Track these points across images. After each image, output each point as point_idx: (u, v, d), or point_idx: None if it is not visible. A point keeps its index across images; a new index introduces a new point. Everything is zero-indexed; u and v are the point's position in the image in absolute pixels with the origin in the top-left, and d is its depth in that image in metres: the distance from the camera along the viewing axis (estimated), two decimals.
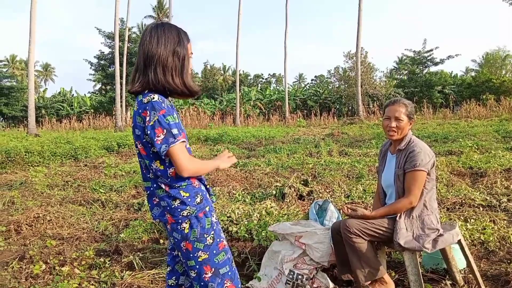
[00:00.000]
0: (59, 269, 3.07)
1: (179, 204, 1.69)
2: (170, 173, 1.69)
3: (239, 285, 1.85)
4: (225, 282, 1.78)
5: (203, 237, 1.72)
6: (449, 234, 2.52)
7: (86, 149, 10.78)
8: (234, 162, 1.95)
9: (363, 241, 2.47)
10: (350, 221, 2.50)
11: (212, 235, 1.75)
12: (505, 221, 3.85)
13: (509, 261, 3.00)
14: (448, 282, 2.68)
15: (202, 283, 1.75)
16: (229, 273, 1.80)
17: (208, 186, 1.84)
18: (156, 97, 1.64)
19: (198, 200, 1.71)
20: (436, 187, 2.69)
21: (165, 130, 1.61)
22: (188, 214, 1.70)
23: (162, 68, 1.68)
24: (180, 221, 1.71)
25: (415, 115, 2.69)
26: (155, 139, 1.60)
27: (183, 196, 1.69)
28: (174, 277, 1.99)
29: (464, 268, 2.85)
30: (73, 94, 41.94)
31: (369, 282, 2.48)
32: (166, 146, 1.60)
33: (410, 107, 2.64)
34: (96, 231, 4.23)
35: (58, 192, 6.09)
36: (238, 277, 1.87)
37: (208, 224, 1.73)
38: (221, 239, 1.80)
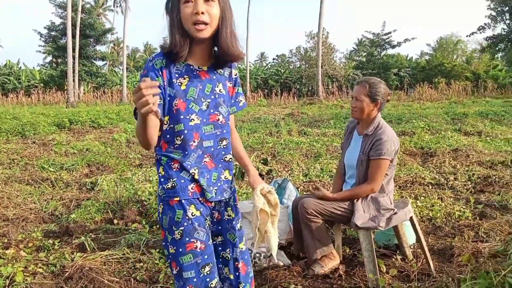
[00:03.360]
0: (3, 252, 2.88)
1: (158, 178, 1.56)
2: (160, 140, 1.53)
3: None
4: (187, 287, 1.52)
5: (172, 229, 1.51)
6: (402, 212, 2.61)
7: (34, 126, 10.16)
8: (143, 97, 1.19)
9: (320, 221, 2.54)
10: (308, 202, 2.52)
11: (181, 231, 1.50)
12: (451, 198, 4.07)
13: (453, 236, 3.17)
14: (399, 257, 2.80)
15: (173, 275, 1.59)
16: (195, 280, 1.50)
17: (202, 181, 1.51)
18: (152, 56, 1.50)
19: (169, 185, 1.50)
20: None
21: None
22: (159, 194, 1.54)
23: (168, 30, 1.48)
24: (157, 199, 1.58)
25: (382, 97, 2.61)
26: None
27: (160, 172, 1.54)
28: None
29: (413, 243, 2.98)
30: (20, 67, 38.98)
31: (320, 257, 2.57)
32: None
33: (373, 88, 2.54)
34: (44, 212, 4.01)
35: (3, 170, 5.71)
36: None
37: (178, 217, 1.49)
38: (191, 240, 1.50)
